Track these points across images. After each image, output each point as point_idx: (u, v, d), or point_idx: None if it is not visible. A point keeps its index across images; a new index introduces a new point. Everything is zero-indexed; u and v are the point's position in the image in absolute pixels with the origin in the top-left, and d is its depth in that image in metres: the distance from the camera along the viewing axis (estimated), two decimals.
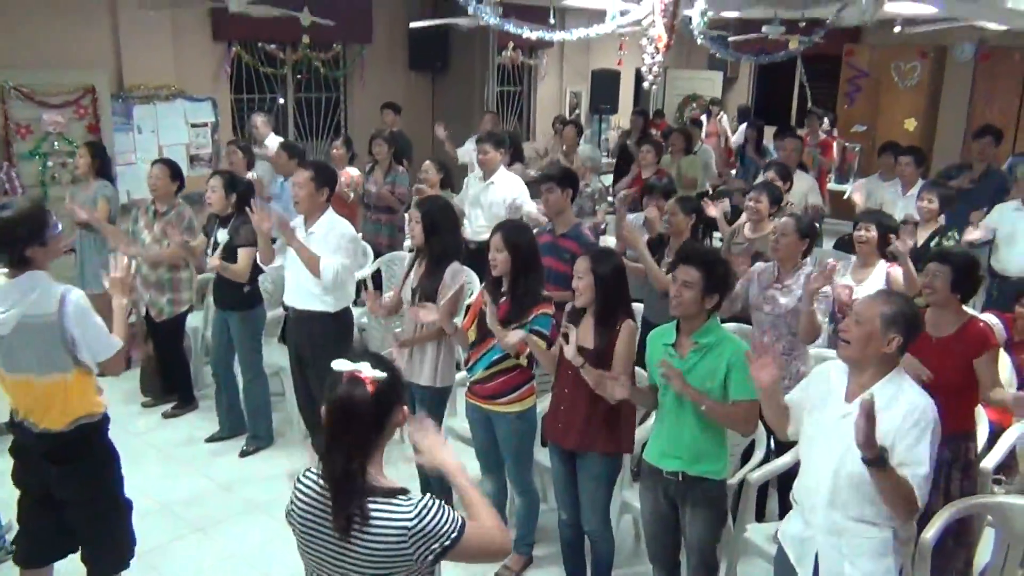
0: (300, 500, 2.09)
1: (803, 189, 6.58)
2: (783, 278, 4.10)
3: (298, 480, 2.12)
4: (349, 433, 1.98)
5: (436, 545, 1.99)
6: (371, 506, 1.98)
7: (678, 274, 3.10)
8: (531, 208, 5.97)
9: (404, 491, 2.03)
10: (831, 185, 9.92)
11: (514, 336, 3.49)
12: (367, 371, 1.98)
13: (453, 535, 2.01)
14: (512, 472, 3.89)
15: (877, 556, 2.60)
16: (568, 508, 3.65)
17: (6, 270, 3.02)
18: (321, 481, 2.05)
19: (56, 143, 7.08)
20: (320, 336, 4.44)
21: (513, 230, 3.72)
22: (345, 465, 1.97)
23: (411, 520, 1.98)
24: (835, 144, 10.28)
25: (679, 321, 3.17)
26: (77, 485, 3.14)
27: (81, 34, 7.25)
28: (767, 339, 3.93)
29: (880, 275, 4.34)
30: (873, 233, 4.38)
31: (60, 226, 3.16)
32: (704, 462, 3.13)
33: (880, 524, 2.59)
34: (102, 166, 6.00)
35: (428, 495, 2.04)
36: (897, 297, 2.73)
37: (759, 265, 4.35)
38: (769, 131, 9.99)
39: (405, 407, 2.08)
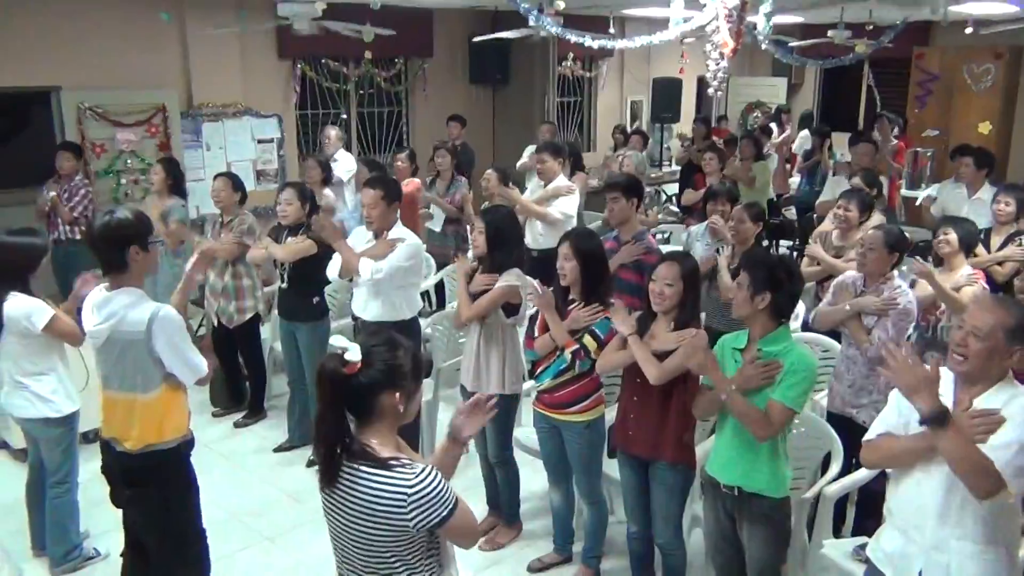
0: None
1: None
2: (868, 289, 3.97)
3: None
4: (323, 400, 2.15)
5: (434, 515, 2.09)
6: (369, 471, 2.10)
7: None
8: (554, 212, 5.95)
9: (400, 461, 2.11)
10: (903, 191, 9.65)
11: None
12: (350, 354, 2.10)
13: (450, 506, 2.11)
14: (581, 483, 3.84)
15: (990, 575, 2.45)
16: (638, 520, 3.58)
17: (105, 282, 3.07)
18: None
19: (129, 161, 7.31)
20: None
21: (582, 238, 3.69)
22: (324, 426, 2.13)
23: (410, 486, 2.07)
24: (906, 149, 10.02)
25: (751, 328, 3.10)
26: (145, 511, 3.14)
27: (152, 55, 7.48)
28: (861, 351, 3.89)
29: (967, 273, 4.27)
30: (953, 236, 4.31)
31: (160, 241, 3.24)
32: (759, 478, 3.03)
33: (991, 543, 2.44)
34: (175, 183, 6.15)
35: (428, 466, 2.14)
36: (1014, 307, 2.50)
37: (849, 274, 4.19)
38: (835, 138, 9.82)
39: (399, 395, 2.15)
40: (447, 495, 2.11)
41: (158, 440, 3.10)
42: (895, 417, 2.63)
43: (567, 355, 3.58)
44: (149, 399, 3.06)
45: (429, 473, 2.10)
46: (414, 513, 2.07)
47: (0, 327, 3.64)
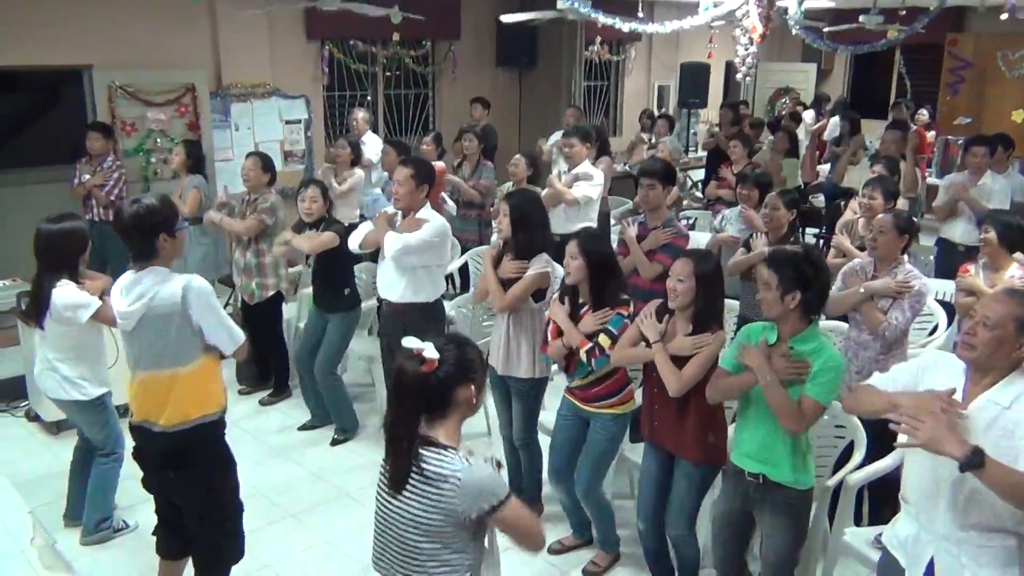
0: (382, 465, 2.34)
1: None
2: (879, 274, 3.99)
3: None
4: (402, 401, 2.24)
5: (484, 503, 2.16)
6: (424, 454, 2.19)
7: (760, 275, 3.04)
8: (578, 193, 5.93)
9: (459, 451, 2.20)
10: (930, 179, 9.55)
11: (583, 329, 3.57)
12: (428, 352, 2.21)
13: (501, 496, 2.18)
14: (584, 475, 3.76)
15: (1002, 565, 2.44)
16: (647, 516, 3.53)
17: (131, 266, 3.12)
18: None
19: (159, 140, 7.37)
20: (412, 327, 4.46)
21: (589, 239, 3.67)
22: (400, 428, 2.22)
23: (463, 472, 2.15)
24: (931, 136, 9.89)
25: (780, 327, 3.06)
26: (191, 491, 3.19)
27: (182, 35, 7.53)
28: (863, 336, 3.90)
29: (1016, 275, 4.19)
30: (992, 234, 4.25)
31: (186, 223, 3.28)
32: (785, 467, 3.02)
33: (1004, 531, 2.43)
34: (195, 163, 6.26)
35: (486, 459, 2.23)
36: None
37: (856, 261, 4.22)
38: (864, 124, 9.69)
39: (473, 387, 2.27)
40: (499, 488, 2.20)
41: (199, 414, 3.12)
42: (890, 380, 2.68)
43: (582, 355, 3.57)
44: (191, 370, 3.09)
45: (482, 464, 2.21)
46: (464, 501, 2.14)
47: (44, 311, 3.72)
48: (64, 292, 3.67)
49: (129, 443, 3.36)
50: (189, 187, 6.16)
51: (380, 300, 4.76)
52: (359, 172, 6.58)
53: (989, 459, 2.27)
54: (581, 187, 5.95)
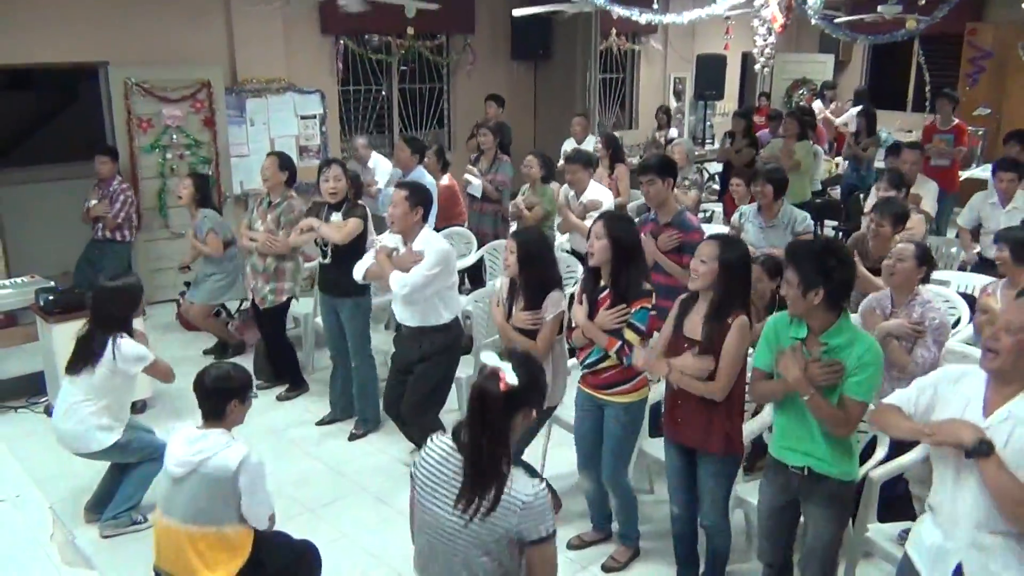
0: (429, 457, 2.36)
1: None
2: (898, 309, 3.90)
3: (431, 440, 2.40)
4: (482, 418, 2.24)
5: (539, 530, 2.22)
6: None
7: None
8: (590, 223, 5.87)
9: (533, 471, 2.23)
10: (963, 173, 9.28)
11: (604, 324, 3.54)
12: (507, 374, 2.23)
13: (551, 529, 2.26)
14: (607, 464, 3.76)
15: None
16: (682, 504, 3.55)
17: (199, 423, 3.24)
18: (454, 445, 2.31)
19: (175, 136, 7.38)
20: (430, 348, 4.44)
21: (614, 220, 3.63)
22: (489, 448, 2.22)
23: (530, 495, 2.21)
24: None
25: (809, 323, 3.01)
26: None
27: (197, 31, 7.54)
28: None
29: None
30: (1006, 253, 4.20)
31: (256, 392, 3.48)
32: (829, 460, 2.98)
33: None
34: (204, 197, 6.16)
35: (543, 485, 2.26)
36: None
37: (873, 297, 4.12)
38: (882, 116, 9.57)
39: (534, 411, 2.33)
40: (552, 518, 2.27)
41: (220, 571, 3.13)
42: (912, 400, 2.62)
43: (612, 354, 3.55)
44: (223, 531, 3.14)
45: (545, 491, 2.26)
46: (522, 522, 2.20)
47: (96, 361, 3.91)
48: (130, 344, 3.98)
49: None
50: (204, 228, 6.03)
51: (399, 327, 4.65)
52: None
53: (996, 454, 2.28)
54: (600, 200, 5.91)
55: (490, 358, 2.27)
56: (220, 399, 3.21)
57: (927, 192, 6.48)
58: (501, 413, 2.23)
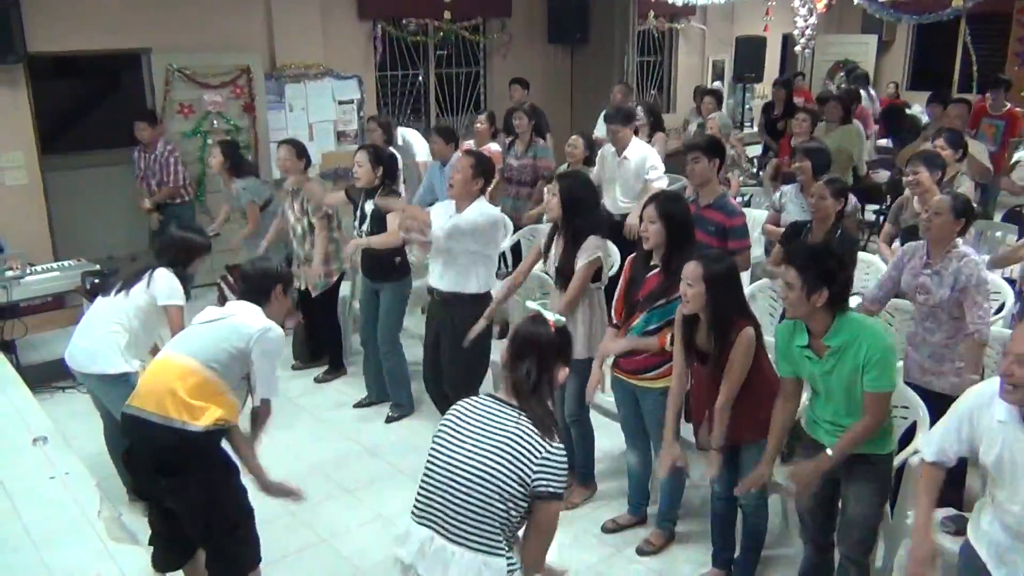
0: (469, 405, 2.48)
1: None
2: (934, 262, 3.79)
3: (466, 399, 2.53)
4: (537, 361, 2.40)
5: (552, 484, 2.32)
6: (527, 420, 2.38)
7: (784, 275, 2.99)
8: (660, 182, 5.89)
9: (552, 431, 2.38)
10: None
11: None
12: (553, 317, 2.45)
13: (563, 487, 2.36)
14: (654, 443, 3.81)
15: None
16: (723, 483, 3.54)
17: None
18: (497, 397, 2.46)
19: (216, 122, 7.48)
20: (461, 317, 4.46)
21: (668, 201, 3.62)
22: (533, 378, 2.39)
23: (546, 448, 2.32)
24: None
25: (810, 324, 3.01)
26: (188, 497, 3.02)
27: (237, 17, 7.61)
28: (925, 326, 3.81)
29: None
30: None
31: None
32: (868, 440, 2.99)
33: None
34: (234, 164, 5.91)
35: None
36: None
37: (910, 246, 4.01)
38: (923, 96, 9.34)
39: (567, 369, 2.47)
40: (564, 480, 2.36)
41: (192, 420, 2.98)
42: (954, 439, 2.56)
43: (668, 347, 3.55)
44: (227, 394, 3.09)
45: (563, 451, 2.37)
46: (536, 474, 2.29)
47: (132, 284, 3.89)
48: (167, 276, 3.90)
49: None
50: (244, 199, 5.82)
51: (431, 291, 4.71)
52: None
53: None
54: (656, 174, 5.99)
55: (533, 304, 2.40)
56: (265, 281, 3.30)
57: (979, 152, 6.35)
58: (555, 354, 2.42)
